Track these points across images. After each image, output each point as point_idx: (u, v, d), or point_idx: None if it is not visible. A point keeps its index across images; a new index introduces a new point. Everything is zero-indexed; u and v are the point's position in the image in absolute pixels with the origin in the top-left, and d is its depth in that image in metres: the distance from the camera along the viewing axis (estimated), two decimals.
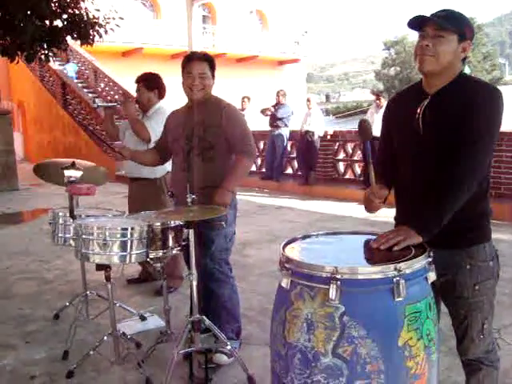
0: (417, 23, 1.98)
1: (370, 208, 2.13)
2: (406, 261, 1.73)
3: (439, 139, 1.97)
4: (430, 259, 1.82)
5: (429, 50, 1.93)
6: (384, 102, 9.05)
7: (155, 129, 4.08)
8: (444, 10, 1.97)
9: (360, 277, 1.68)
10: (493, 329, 3.59)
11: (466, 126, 1.89)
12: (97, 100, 4.66)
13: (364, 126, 2.05)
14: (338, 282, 1.64)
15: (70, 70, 17.25)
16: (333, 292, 1.63)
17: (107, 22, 8.45)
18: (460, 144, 1.89)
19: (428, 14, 1.96)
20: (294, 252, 1.92)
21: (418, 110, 2.02)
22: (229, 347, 3.01)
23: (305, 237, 2.12)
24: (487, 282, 2.06)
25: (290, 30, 27.97)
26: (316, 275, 1.70)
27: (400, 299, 1.67)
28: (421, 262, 1.77)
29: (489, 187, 2.05)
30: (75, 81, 16.85)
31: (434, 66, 1.96)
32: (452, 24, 1.92)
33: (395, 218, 2.27)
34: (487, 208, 2.07)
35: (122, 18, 8.55)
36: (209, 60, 3.26)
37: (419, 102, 2.04)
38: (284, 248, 1.94)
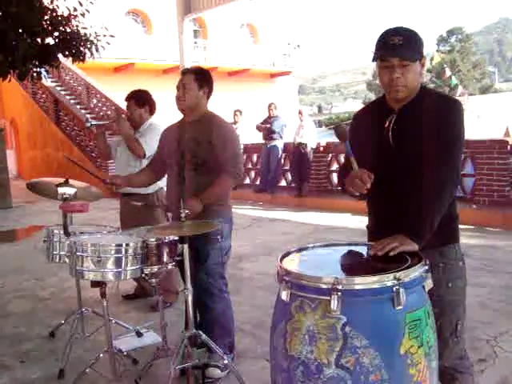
0: (383, 55, 2.04)
1: (353, 186, 2.06)
2: (404, 270, 1.74)
3: (411, 151, 2.06)
4: (427, 267, 1.84)
5: (400, 81, 2.03)
6: None
7: (149, 144, 4.09)
8: (399, 34, 2.01)
9: (360, 287, 1.68)
10: (490, 337, 3.60)
11: (438, 137, 2.00)
12: (90, 119, 4.65)
13: (340, 130, 2.09)
14: (339, 293, 1.64)
15: None
16: (334, 303, 1.63)
17: (98, 40, 8.49)
18: (435, 153, 1.99)
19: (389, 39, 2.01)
20: (292, 264, 1.91)
21: (386, 125, 2.12)
22: (226, 361, 3.00)
23: (301, 249, 2.12)
24: (459, 281, 2.15)
25: (281, 43, 28.17)
26: (317, 287, 1.70)
27: (400, 308, 1.68)
28: (418, 271, 1.78)
29: (456, 192, 2.15)
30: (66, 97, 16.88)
31: (406, 93, 2.08)
32: (414, 50, 2.02)
33: (367, 227, 2.35)
34: (455, 212, 2.18)
35: (112, 36, 8.60)
36: (196, 72, 3.30)
37: (385, 116, 2.14)
38: (281, 261, 1.94)
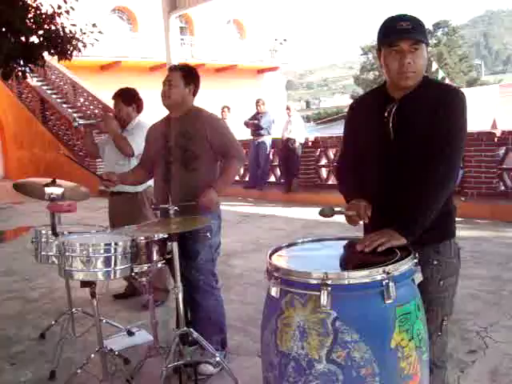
0: (393, 40, 1.98)
1: (351, 223, 2.15)
2: (393, 263, 1.74)
3: (412, 143, 2.00)
4: (416, 260, 1.84)
5: (411, 67, 1.95)
6: None
7: (138, 143, 4.06)
8: (405, 19, 1.96)
9: (350, 281, 1.68)
10: (480, 328, 3.63)
11: (440, 130, 1.94)
12: (77, 118, 4.61)
13: (324, 214, 2.12)
14: (329, 288, 1.63)
15: None
16: (324, 298, 1.63)
17: (87, 36, 8.42)
18: (435, 146, 1.93)
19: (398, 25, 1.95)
20: (282, 260, 1.91)
21: (386, 115, 2.05)
22: (218, 359, 3.00)
23: (290, 244, 2.11)
24: (451, 279, 2.10)
25: (267, 39, 28.10)
26: (306, 282, 1.69)
27: (390, 301, 1.67)
28: (408, 264, 1.78)
29: (454, 186, 2.09)
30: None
31: (415, 80, 2.00)
32: (422, 35, 1.96)
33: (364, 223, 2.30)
34: (452, 206, 2.12)
35: (101, 33, 8.54)
36: (182, 69, 3.30)
37: (385, 106, 2.07)
38: (270, 257, 1.93)
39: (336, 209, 2.11)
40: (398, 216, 1.95)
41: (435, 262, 2.05)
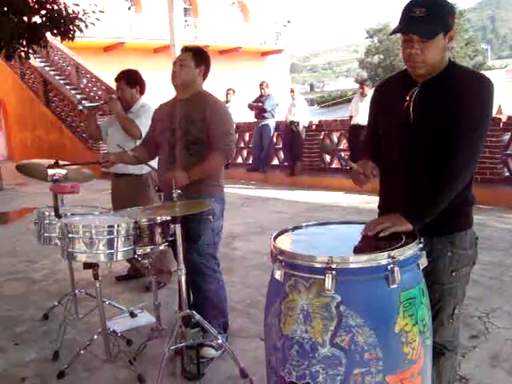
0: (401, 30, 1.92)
1: (357, 181, 2.13)
2: (398, 248, 1.73)
3: (430, 127, 1.95)
4: (421, 245, 1.82)
5: (418, 57, 1.89)
6: (368, 91, 9.06)
7: (145, 124, 4.02)
8: (422, 5, 1.85)
9: (355, 265, 1.67)
10: (482, 313, 3.63)
11: (461, 118, 1.87)
12: (82, 101, 4.58)
13: (325, 148, 2.11)
14: (334, 272, 1.63)
15: None
16: (329, 282, 1.62)
17: (88, 16, 8.36)
18: (454, 135, 1.88)
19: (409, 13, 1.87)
20: (286, 243, 1.90)
21: (408, 98, 2.00)
22: (220, 341, 3.01)
23: (295, 228, 2.11)
24: (464, 269, 2.07)
25: (272, 21, 27.85)
26: (311, 266, 1.68)
27: (395, 286, 1.67)
28: (413, 249, 1.77)
29: (474, 175, 2.04)
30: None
31: (426, 69, 1.93)
32: (437, 23, 1.86)
33: (379, 207, 2.27)
34: (471, 195, 2.07)
35: (102, 12, 8.48)
36: (193, 51, 3.29)
37: (408, 89, 2.01)
38: (275, 240, 1.92)
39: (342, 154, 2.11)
40: (408, 201, 1.93)
41: (449, 254, 2.02)
